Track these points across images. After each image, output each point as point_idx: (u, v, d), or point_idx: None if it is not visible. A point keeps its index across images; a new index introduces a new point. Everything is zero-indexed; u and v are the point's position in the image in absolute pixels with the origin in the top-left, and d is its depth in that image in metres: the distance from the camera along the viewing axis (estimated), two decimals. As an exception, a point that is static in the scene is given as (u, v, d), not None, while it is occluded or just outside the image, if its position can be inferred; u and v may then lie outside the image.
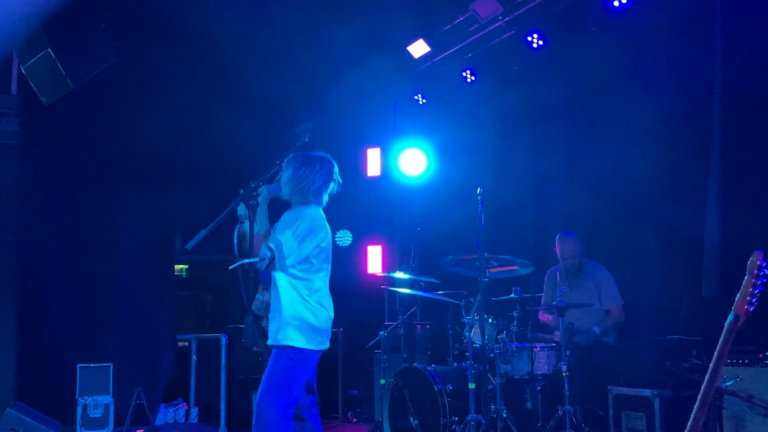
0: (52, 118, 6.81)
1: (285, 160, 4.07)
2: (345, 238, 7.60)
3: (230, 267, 3.40)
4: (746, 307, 2.69)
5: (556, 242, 6.12)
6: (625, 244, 6.34)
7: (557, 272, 5.96)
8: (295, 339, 3.85)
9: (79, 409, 6.65)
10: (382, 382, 6.17)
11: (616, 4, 6.15)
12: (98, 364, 6.85)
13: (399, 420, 5.85)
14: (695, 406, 2.72)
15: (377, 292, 7.78)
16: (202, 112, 7.59)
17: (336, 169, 4.15)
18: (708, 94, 5.66)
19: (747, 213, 5.36)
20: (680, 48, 5.85)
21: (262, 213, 3.95)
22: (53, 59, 6.01)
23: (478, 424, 5.10)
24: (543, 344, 5.45)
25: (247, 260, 3.27)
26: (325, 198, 4.12)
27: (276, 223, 4.04)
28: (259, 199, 3.83)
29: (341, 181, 4.17)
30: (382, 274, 6.87)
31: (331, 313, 4.03)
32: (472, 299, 5.54)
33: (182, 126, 7.57)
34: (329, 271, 4.08)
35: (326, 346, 4.01)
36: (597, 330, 5.77)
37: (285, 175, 4.04)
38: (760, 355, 4.07)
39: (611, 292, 5.89)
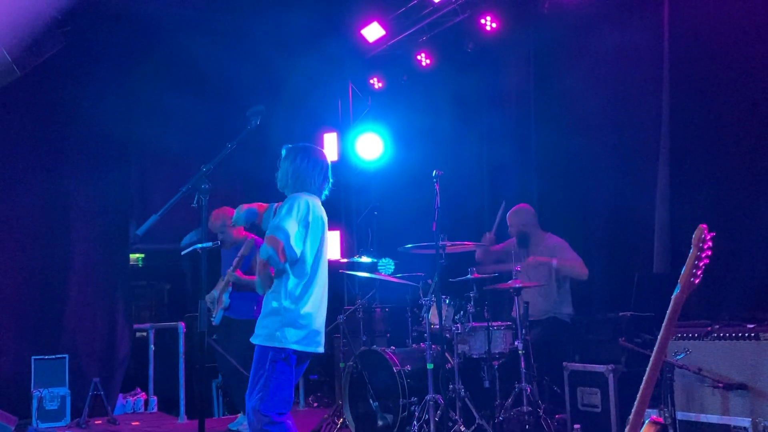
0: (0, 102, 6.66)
1: (283, 150, 3.97)
2: (388, 266, 7.28)
3: (183, 252, 3.38)
4: (692, 279, 2.75)
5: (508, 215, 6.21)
6: (578, 225, 6.43)
7: (512, 246, 6.03)
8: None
9: (35, 402, 6.56)
10: (342, 365, 6.18)
11: (567, -14, 6.22)
12: (53, 356, 6.76)
13: (359, 402, 5.87)
14: (644, 377, 2.79)
15: (336, 276, 7.75)
16: (154, 96, 7.48)
17: (330, 168, 4.04)
18: (657, 77, 5.75)
19: (695, 192, 5.48)
20: (630, 32, 5.93)
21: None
22: (-1, 46, 5.89)
23: (437, 404, 5.15)
24: (499, 323, 5.52)
25: (199, 245, 3.25)
26: (325, 194, 4.03)
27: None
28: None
29: (332, 181, 4.06)
30: (344, 260, 6.82)
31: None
32: (429, 281, 5.58)
33: (135, 110, 7.47)
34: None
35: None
36: (554, 264, 5.85)
37: (283, 167, 3.91)
38: (709, 329, 4.17)
39: (567, 253, 5.95)
